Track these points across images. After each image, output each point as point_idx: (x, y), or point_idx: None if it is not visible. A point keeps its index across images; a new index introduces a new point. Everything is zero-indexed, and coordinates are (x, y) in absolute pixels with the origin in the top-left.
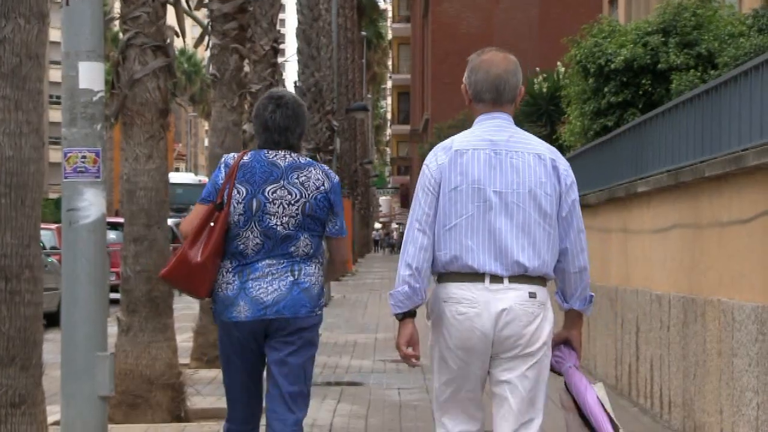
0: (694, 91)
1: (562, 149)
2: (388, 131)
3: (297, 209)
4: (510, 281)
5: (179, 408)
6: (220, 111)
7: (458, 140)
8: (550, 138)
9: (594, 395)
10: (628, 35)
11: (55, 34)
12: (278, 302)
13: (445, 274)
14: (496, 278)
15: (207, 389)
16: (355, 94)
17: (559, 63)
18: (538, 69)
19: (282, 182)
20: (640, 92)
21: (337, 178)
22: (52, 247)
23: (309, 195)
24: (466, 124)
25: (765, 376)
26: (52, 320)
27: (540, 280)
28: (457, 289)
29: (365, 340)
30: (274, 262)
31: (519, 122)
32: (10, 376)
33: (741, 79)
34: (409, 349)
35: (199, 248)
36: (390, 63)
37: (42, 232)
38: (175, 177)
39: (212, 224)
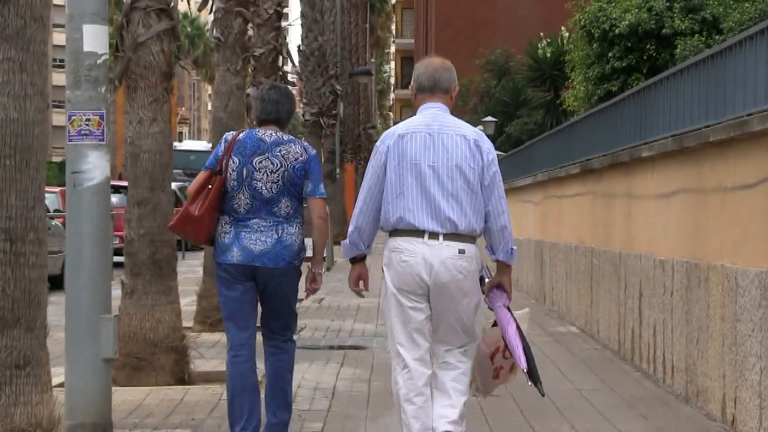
0: (699, 56)
1: (566, 114)
2: (392, 96)
3: (278, 176)
4: (444, 238)
5: (183, 371)
6: (224, 75)
7: (401, 127)
8: (554, 103)
9: (514, 328)
10: (632, 0)
11: None
12: (264, 254)
13: (394, 231)
14: (433, 235)
15: (210, 352)
16: (359, 58)
17: (563, 28)
18: (542, 34)
19: (267, 155)
20: (645, 57)
21: (314, 151)
22: (56, 210)
23: (288, 165)
24: (468, 89)
25: None
26: (56, 283)
27: (469, 238)
28: (401, 242)
29: (368, 305)
30: (263, 221)
31: (522, 88)
32: (14, 337)
33: (746, 44)
34: (360, 284)
35: (197, 205)
36: (393, 27)
37: (45, 195)
38: (189, 144)
39: (209, 187)
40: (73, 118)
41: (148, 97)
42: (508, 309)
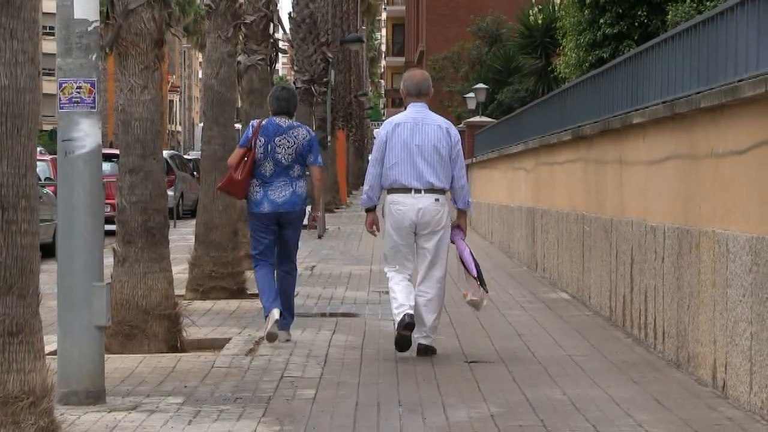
0: (690, 22)
1: (557, 81)
2: (383, 63)
3: (292, 150)
4: (425, 192)
5: (175, 338)
6: (215, 42)
7: (396, 118)
8: (546, 70)
9: (468, 251)
10: None
11: None
12: (285, 203)
13: (391, 189)
14: (417, 191)
15: (202, 320)
16: (350, 25)
17: None
18: (533, 0)
19: (284, 135)
20: (636, 24)
21: (314, 133)
22: (47, 179)
23: (298, 143)
24: (460, 56)
25: (758, 306)
26: (47, 251)
27: (441, 191)
28: (397, 197)
29: (360, 272)
30: (282, 181)
31: (514, 54)
32: (7, 305)
33: (737, 9)
34: (373, 227)
35: (239, 172)
36: None
37: (36, 163)
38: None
39: (245, 159)
40: (64, 85)
41: (139, 65)
42: (464, 242)
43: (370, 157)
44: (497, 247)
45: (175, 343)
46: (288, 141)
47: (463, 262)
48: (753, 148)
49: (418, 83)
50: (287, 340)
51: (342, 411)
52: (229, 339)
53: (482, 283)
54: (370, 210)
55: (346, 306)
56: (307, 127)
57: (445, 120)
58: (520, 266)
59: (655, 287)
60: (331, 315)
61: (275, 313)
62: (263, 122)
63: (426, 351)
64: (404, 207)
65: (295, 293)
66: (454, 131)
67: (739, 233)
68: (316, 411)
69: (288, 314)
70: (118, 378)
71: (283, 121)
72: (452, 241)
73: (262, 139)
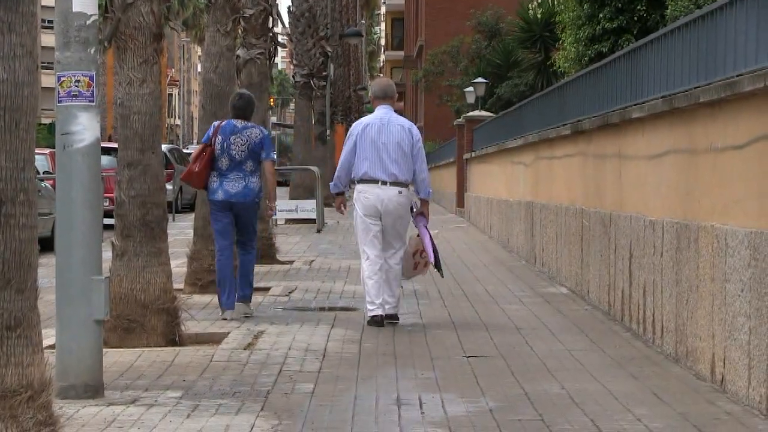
0: (690, 17)
1: (557, 76)
2: (382, 57)
3: (245, 147)
4: (390, 185)
5: (174, 332)
6: (214, 36)
7: (366, 119)
8: (545, 64)
9: (428, 238)
10: None
11: None
12: (238, 194)
13: (360, 180)
14: (383, 183)
15: (201, 314)
16: (349, 19)
17: None
18: None
19: (238, 134)
20: (635, 18)
21: (267, 132)
22: (45, 172)
23: (250, 140)
24: (459, 50)
25: (757, 301)
26: (46, 245)
27: (404, 184)
28: (365, 187)
29: (358, 266)
30: (236, 174)
31: (513, 49)
32: (5, 299)
33: (736, 4)
34: (341, 207)
35: (198, 164)
36: None
37: (35, 157)
38: None
39: (204, 153)
40: (62, 79)
41: (137, 58)
42: (426, 228)
43: (341, 152)
44: (496, 241)
45: (174, 337)
46: (241, 139)
47: (423, 247)
48: (752, 143)
49: (384, 87)
50: (246, 314)
51: (340, 405)
52: (228, 333)
53: (439, 270)
54: (339, 194)
55: (345, 300)
56: (261, 128)
57: (408, 121)
58: (518, 260)
59: (654, 282)
60: (330, 309)
61: (228, 315)
62: (223, 123)
63: (392, 318)
64: (371, 196)
65: (294, 288)
66: (415, 131)
67: (738, 228)
68: (314, 405)
69: (245, 288)
70: (117, 372)
71: (239, 123)
72: (415, 226)
73: (220, 138)
